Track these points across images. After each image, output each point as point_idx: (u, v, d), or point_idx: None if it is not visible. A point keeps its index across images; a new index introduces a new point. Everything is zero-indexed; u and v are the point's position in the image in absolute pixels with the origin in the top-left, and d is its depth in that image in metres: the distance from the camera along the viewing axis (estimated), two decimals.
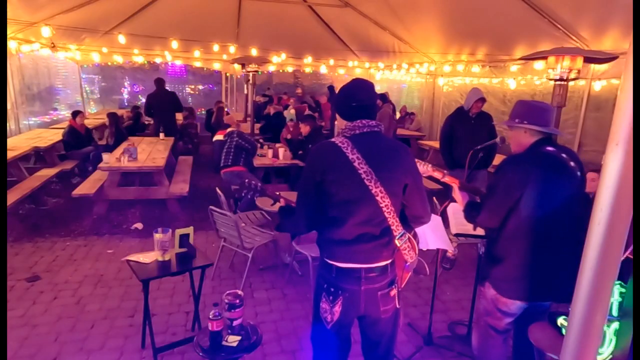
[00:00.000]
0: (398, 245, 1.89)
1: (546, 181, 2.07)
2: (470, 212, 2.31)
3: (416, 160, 2.00)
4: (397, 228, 1.86)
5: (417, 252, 2.02)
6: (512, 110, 2.28)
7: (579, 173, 2.14)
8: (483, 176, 4.94)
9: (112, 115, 7.44)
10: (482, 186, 4.31)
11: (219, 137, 5.88)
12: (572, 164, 2.13)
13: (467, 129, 4.83)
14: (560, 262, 2.12)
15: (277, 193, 2.28)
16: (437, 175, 2.41)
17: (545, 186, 2.06)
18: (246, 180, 2.20)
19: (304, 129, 6.08)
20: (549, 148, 2.15)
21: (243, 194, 2.19)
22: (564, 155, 2.15)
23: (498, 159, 5.46)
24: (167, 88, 8.28)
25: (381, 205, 1.79)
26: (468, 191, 2.46)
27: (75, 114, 7.36)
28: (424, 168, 2.34)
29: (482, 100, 4.87)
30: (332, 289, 1.88)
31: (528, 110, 2.20)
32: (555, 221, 2.10)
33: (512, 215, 2.13)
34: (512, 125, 2.23)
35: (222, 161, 5.43)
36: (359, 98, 1.86)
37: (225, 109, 8.91)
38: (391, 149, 1.87)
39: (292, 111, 8.59)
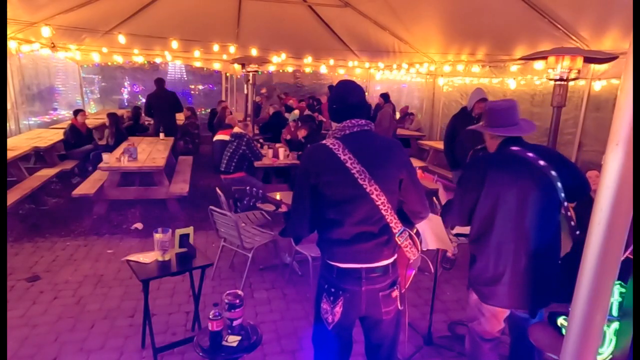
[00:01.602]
0: (399, 243, 1.89)
1: (502, 181, 2.06)
2: (443, 211, 2.34)
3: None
4: (396, 225, 1.86)
5: (419, 249, 2.02)
6: None
7: (552, 172, 2.05)
8: None
9: (112, 116, 7.42)
10: None
11: (221, 136, 5.83)
12: (541, 162, 2.06)
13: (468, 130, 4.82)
14: (533, 267, 2.07)
15: (279, 199, 2.29)
16: (429, 178, 2.46)
17: (502, 187, 2.05)
18: (247, 188, 2.21)
19: (301, 132, 6.08)
20: (514, 148, 2.14)
21: (245, 201, 2.19)
22: (530, 154, 2.10)
23: None
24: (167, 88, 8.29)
25: (377, 203, 1.79)
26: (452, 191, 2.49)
27: (77, 112, 7.40)
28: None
29: (485, 100, 4.85)
30: (332, 290, 1.88)
31: (489, 114, 2.25)
32: (522, 223, 2.05)
33: (473, 217, 2.14)
34: (478, 129, 2.31)
35: (224, 166, 5.33)
36: (344, 100, 1.89)
37: (229, 110, 8.89)
38: (383, 146, 1.88)
39: (296, 112, 8.59)
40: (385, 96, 8.93)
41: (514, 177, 2.06)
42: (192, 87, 13.38)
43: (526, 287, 2.09)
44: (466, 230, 2.68)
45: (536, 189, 2.05)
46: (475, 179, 2.11)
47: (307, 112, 9.21)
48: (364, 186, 1.78)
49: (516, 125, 2.17)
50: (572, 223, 2.11)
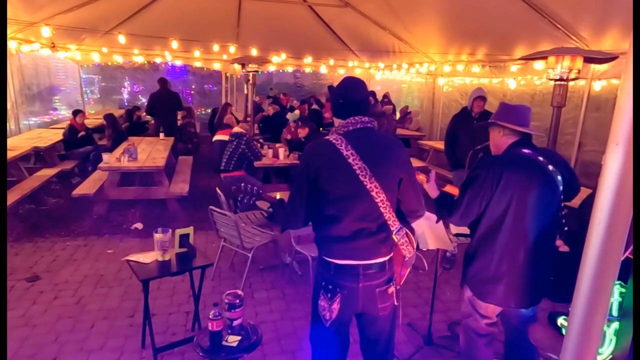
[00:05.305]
0: (396, 240, 1.90)
1: (518, 183, 2.06)
2: (441, 205, 2.29)
3: None
4: (393, 223, 1.87)
5: (415, 247, 2.02)
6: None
7: (559, 177, 2.12)
8: None
9: (109, 117, 7.30)
10: None
11: (220, 136, 5.82)
12: (550, 167, 2.11)
13: (469, 129, 4.82)
14: (533, 266, 2.10)
15: (275, 196, 2.29)
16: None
17: (517, 188, 2.06)
18: (242, 185, 2.21)
19: (303, 132, 6.08)
20: (525, 150, 2.15)
21: (243, 199, 2.20)
22: (540, 158, 2.13)
23: None
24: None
25: (377, 200, 1.80)
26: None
27: (76, 113, 7.36)
28: None
29: (482, 98, 4.84)
30: (330, 287, 1.89)
31: (503, 111, 2.25)
32: (528, 224, 2.08)
33: (483, 216, 2.13)
34: (486, 124, 2.29)
35: (223, 164, 5.31)
36: (349, 96, 1.89)
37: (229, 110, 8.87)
38: (385, 144, 1.89)
39: (297, 112, 8.59)
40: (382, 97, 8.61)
41: (529, 179, 2.07)
42: (192, 86, 13.38)
43: (525, 285, 2.12)
44: (466, 230, 2.69)
45: (547, 192, 2.09)
46: (490, 179, 2.08)
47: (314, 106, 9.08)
48: (365, 183, 1.78)
49: (528, 127, 2.19)
50: (563, 221, 2.26)
